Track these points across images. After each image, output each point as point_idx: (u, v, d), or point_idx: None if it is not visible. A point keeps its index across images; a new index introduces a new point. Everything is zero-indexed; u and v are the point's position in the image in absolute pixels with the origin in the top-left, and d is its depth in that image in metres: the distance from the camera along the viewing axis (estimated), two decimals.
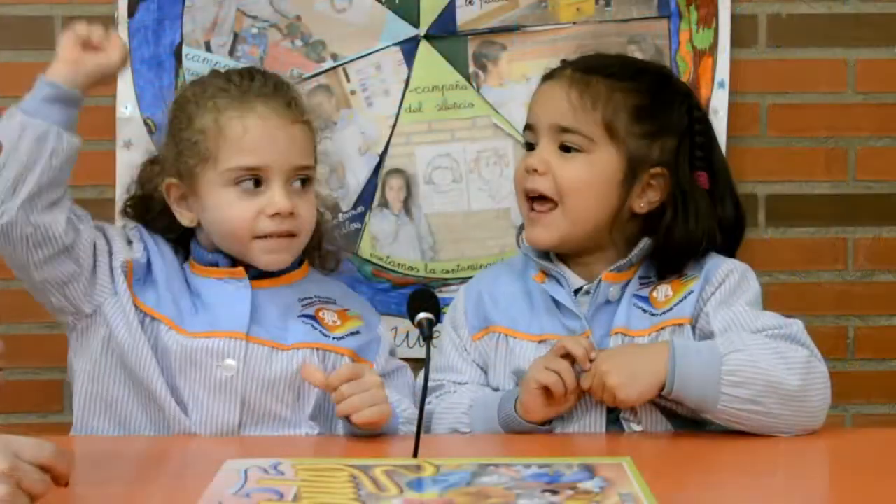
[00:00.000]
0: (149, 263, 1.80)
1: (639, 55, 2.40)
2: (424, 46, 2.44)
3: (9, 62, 2.44)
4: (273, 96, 1.79)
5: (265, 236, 1.76)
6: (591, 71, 1.81)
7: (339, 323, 1.83)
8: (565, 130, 1.78)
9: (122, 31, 2.41)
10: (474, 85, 2.44)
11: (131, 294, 1.76)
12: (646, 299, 1.78)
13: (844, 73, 2.47)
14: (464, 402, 1.80)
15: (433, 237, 2.46)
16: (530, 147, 1.84)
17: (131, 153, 2.38)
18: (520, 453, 1.64)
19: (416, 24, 2.43)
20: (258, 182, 1.76)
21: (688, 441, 1.67)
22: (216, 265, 1.81)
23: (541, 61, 2.42)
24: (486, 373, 1.85)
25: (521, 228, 1.92)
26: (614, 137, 1.77)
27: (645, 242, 1.80)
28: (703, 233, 1.79)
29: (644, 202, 1.80)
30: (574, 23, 2.43)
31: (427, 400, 1.81)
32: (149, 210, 1.86)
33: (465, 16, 2.43)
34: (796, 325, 1.72)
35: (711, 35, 2.43)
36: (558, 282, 1.82)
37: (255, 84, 1.80)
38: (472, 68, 2.44)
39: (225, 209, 1.76)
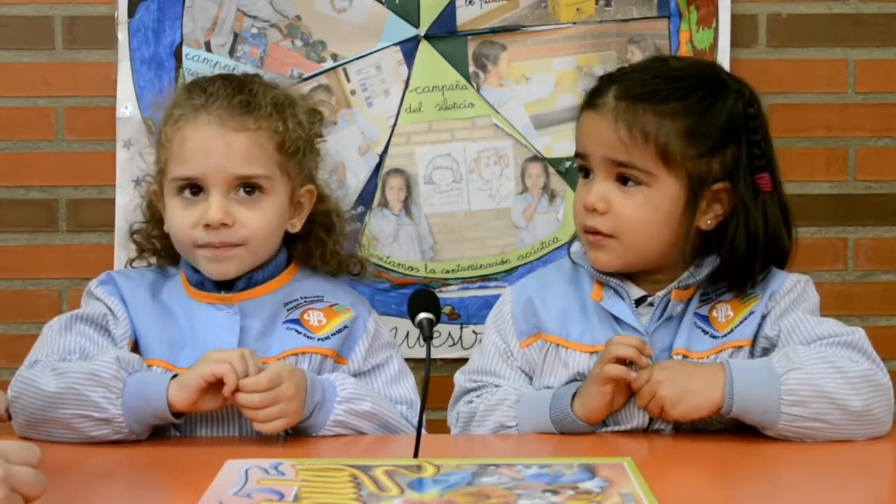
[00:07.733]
0: (130, 311, 1.79)
1: (639, 55, 2.41)
2: (424, 46, 2.44)
3: (9, 62, 2.45)
4: (220, 104, 1.76)
5: (204, 246, 1.76)
6: (635, 99, 1.72)
7: (324, 322, 1.81)
8: (621, 164, 1.72)
9: (122, 31, 2.41)
10: (474, 85, 2.44)
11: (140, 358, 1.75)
12: (706, 319, 1.76)
13: (844, 73, 2.47)
14: (510, 397, 1.77)
15: (433, 237, 2.46)
16: (585, 172, 1.78)
17: (131, 153, 2.39)
18: (520, 453, 1.63)
19: (416, 24, 2.43)
20: (198, 191, 1.76)
21: (688, 441, 1.67)
22: (202, 285, 1.80)
23: (541, 61, 2.43)
24: (530, 378, 1.82)
25: (571, 241, 1.86)
26: (672, 165, 1.71)
27: (712, 260, 1.75)
28: (770, 239, 1.75)
29: (710, 218, 1.75)
30: (574, 23, 2.43)
31: (468, 399, 1.81)
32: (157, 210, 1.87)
33: (465, 16, 2.43)
34: (858, 333, 1.70)
35: (711, 35, 2.43)
36: (617, 293, 1.78)
37: (213, 92, 1.78)
38: (472, 68, 2.44)
39: (172, 218, 1.78)
